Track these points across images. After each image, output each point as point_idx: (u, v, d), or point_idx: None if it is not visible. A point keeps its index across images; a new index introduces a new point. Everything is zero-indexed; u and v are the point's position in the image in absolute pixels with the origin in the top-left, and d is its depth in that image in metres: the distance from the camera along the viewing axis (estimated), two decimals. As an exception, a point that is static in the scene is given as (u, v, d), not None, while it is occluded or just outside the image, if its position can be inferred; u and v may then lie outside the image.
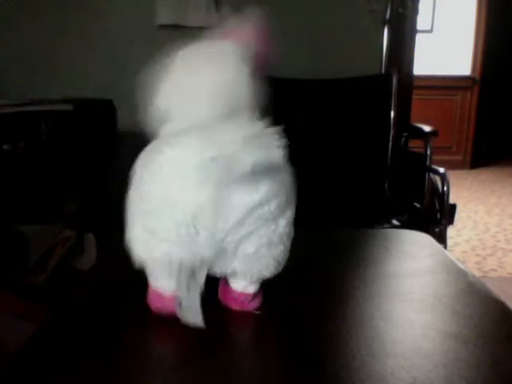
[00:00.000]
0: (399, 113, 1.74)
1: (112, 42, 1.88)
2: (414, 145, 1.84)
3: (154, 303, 0.47)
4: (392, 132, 1.73)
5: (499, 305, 0.52)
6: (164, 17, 1.83)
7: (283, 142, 0.44)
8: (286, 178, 0.45)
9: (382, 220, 1.51)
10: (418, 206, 1.68)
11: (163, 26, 1.85)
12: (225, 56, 0.48)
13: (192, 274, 0.43)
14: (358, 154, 1.64)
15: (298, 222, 0.48)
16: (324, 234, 0.74)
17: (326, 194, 1.45)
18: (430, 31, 4.35)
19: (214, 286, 0.49)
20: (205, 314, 0.43)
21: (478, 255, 2.43)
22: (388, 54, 1.90)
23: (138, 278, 0.54)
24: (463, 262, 2.15)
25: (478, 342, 0.44)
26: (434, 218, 1.64)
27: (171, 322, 0.49)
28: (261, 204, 0.42)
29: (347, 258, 0.64)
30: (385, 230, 1.20)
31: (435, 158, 1.69)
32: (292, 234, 0.46)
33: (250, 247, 0.43)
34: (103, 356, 0.43)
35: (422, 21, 4.00)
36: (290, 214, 0.46)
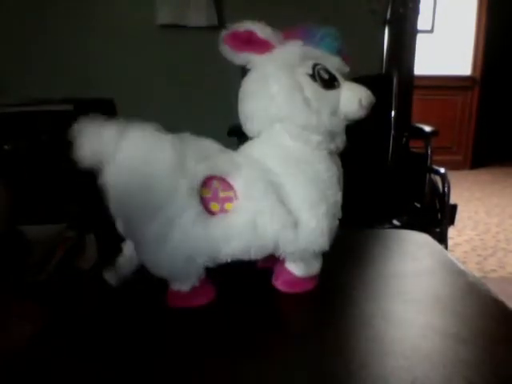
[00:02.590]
0: (400, 113, 1.74)
1: (112, 42, 1.88)
2: (415, 145, 1.84)
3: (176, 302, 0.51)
4: (392, 132, 1.72)
5: (499, 305, 0.51)
6: (164, 17, 1.83)
7: None
8: None
9: (383, 220, 1.51)
10: (418, 206, 1.68)
11: (163, 26, 1.85)
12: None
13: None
14: (358, 154, 1.64)
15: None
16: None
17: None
18: (431, 31, 4.34)
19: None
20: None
21: (478, 255, 2.43)
22: (389, 54, 1.90)
23: (137, 278, 0.54)
24: (464, 263, 2.15)
25: (478, 342, 0.44)
26: (435, 218, 1.64)
27: (172, 321, 0.49)
28: None
29: (347, 258, 0.64)
30: (385, 230, 1.20)
31: (436, 158, 1.69)
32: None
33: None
34: (104, 356, 0.43)
35: (423, 21, 4.01)
36: None
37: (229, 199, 0.48)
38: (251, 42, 0.51)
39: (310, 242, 0.50)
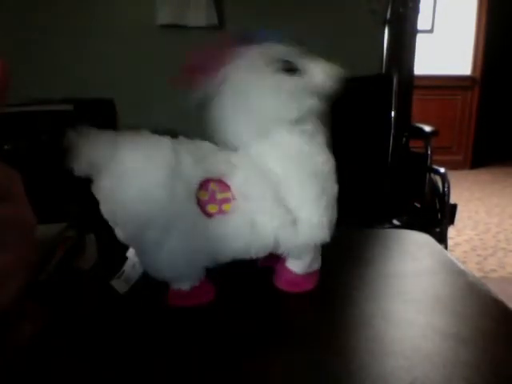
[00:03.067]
0: (400, 113, 1.74)
1: (112, 42, 1.88)
2: (415, 145, 1.84)
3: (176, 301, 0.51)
4: (393, 132, 1.73)
5: (499, 305, 0.52)
6: (164, 17, 1.83)
7: None
8: None
9: (383, 220, 1.51)
10: (418, 206, 1.68)
11: (163, 26, 1.85)
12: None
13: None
14: (358, 154, 1.64)
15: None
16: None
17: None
18: (431, 31, 4.35)
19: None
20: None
21: (478, 255, 2.43)
22: (389, 54, 1.90)
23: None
24: (464, 262, 2.15)
25: (478, 342, 0.44)
26: (435, 218, 1.64)
27: (172, 320, 0.49)
28: None
29: (347, 258, 0.64)
30: (385, 230, 1.20)
31: (435, 157, 1.69)
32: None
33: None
34: (104, 356, 0.43)
35: (423, 21, 4.01)
36: None
37: (227, 200, 0.48)
38: (205, 69, 0.50)
39: (311, 236, 0.50)
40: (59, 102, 1.44)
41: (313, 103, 0.50)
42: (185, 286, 0.50)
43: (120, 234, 0.48)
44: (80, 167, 0.45)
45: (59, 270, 0.58)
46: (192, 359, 0.42)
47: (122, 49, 1.89)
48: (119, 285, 0.51)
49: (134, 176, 0.45)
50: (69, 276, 0.58)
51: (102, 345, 0.45)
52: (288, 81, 0.50)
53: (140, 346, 0.44)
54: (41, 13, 1.86)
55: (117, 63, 1.90)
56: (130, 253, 0.52)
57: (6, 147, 1.32)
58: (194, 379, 0.40)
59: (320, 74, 0.51)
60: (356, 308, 0.51)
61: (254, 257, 0.49)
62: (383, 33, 1.87)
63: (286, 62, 0.51)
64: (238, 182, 0.48)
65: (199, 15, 1.82)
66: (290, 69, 0.50)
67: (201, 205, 0.47)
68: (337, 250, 0.53)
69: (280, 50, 0.51)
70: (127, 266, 0.52)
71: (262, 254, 0.49)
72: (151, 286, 0.51)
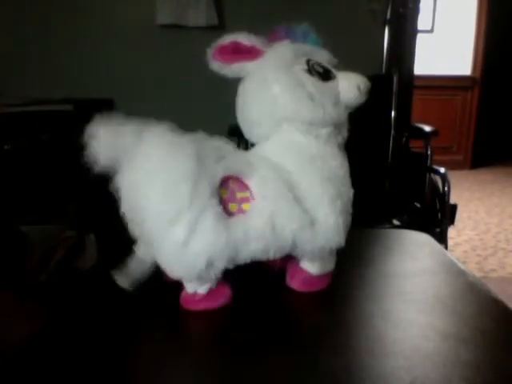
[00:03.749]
0: (400, 113, 1.74)
1: (112, 42, 1.88)
2: (415, 145, 1.84)
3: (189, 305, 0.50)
4: (393, 132, 1.72)
5: (499, 305, 0.52)
6: (164, 17, 1.83)
7: None
8: None
9: (383, 220, 1.51)
10: (418, 206, 1.68)
11: (163, 26, 1.85)
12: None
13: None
14: (358, 154, 1.63)
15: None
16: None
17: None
18: (431, 31, 4.34)
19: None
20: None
21: (478, 255, 2.43)
22: (389, 54, 1.90)
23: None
24: (464, 262, 2.14)
25: (478, 342, 0.44)
26: (435, 218, 1.64)
27: (175, 320, 0.49)
28: None
29: (347, 257, 0.64)
30: (385, 229, 1.20)
31: (436, 158, 1.69)
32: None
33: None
34: (104, 356, 0.43)
35: (423, 21, 4.00)
36: None
37: (246, 200, 0.48)
38: (239, 52, 0.52)
39: (328, 240, 0.50)
40: (59, 102, 1.44)
41: (332, 111, 0.51)
42: (201, 290, 0.49)
43: (136, 230, 0.47)
44: (102, 157, 0.44)
45: (59, 270, 0.58)
46: (191, 359, 0.42)
47: (122, 49, 1.89)
48: (123, 281, 0.50)
49: (159, 169, 0.44)
50: (69, 276, 0.58)
51: (102, 345, 0.45)
52: (310, 82, 0.50)
53: (140, 345, 0.44)
54: (41, 13, 1.85)
55: (117, 63, 1.90)
56: (138, 248, 0.50)
57: (6, 147, 1.32)
58: (194, 379, 0.40)
59: (349, 85, 0.52)
60: (356, 308, 0.51)
61: (272, 258, 0.49)
62: (383, 33, 1.87)
63: (318, 65, 0.52)
64: (256, 182, 0.48)
65: (199, 15, 1.82)
66: (321, 72, 0.51)
67: (222, 203, 0.47)
68: (337, 250, 0.53)
69: (313, 52, 0.53)
70: (131, 261, 0.50)
71: (279, 255, 0.49)
72: (151, 283, 0.51)
